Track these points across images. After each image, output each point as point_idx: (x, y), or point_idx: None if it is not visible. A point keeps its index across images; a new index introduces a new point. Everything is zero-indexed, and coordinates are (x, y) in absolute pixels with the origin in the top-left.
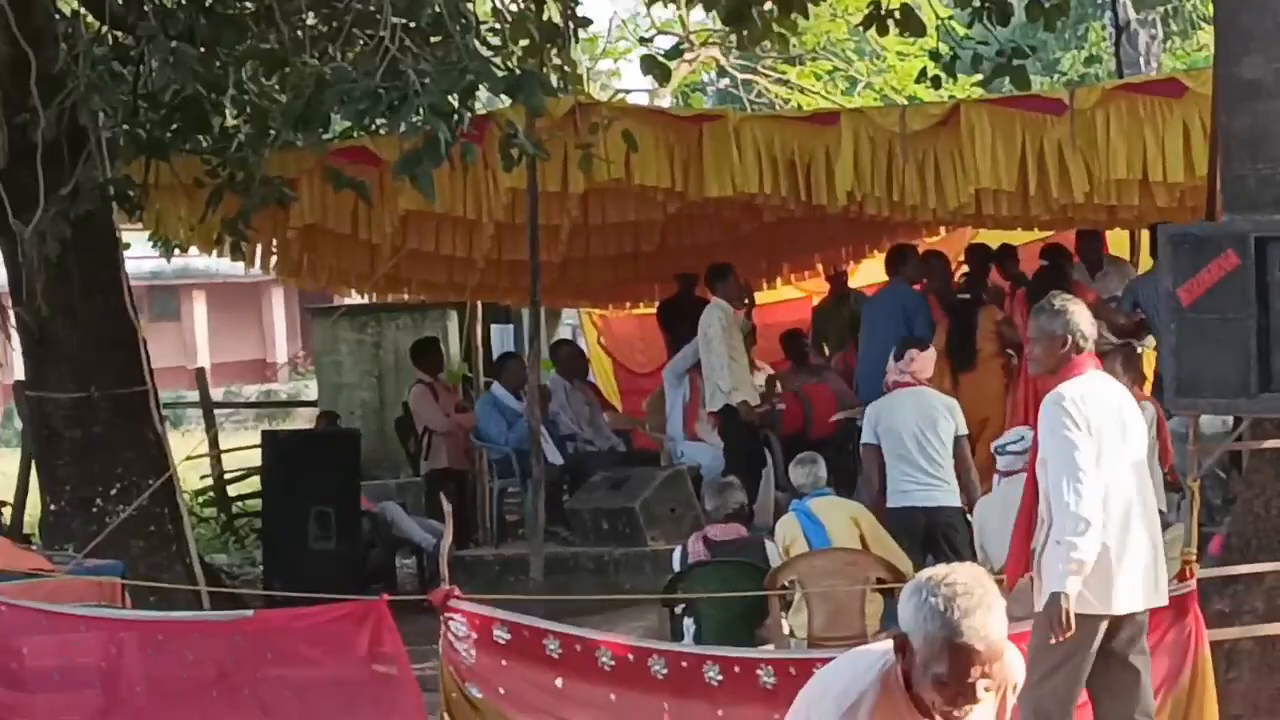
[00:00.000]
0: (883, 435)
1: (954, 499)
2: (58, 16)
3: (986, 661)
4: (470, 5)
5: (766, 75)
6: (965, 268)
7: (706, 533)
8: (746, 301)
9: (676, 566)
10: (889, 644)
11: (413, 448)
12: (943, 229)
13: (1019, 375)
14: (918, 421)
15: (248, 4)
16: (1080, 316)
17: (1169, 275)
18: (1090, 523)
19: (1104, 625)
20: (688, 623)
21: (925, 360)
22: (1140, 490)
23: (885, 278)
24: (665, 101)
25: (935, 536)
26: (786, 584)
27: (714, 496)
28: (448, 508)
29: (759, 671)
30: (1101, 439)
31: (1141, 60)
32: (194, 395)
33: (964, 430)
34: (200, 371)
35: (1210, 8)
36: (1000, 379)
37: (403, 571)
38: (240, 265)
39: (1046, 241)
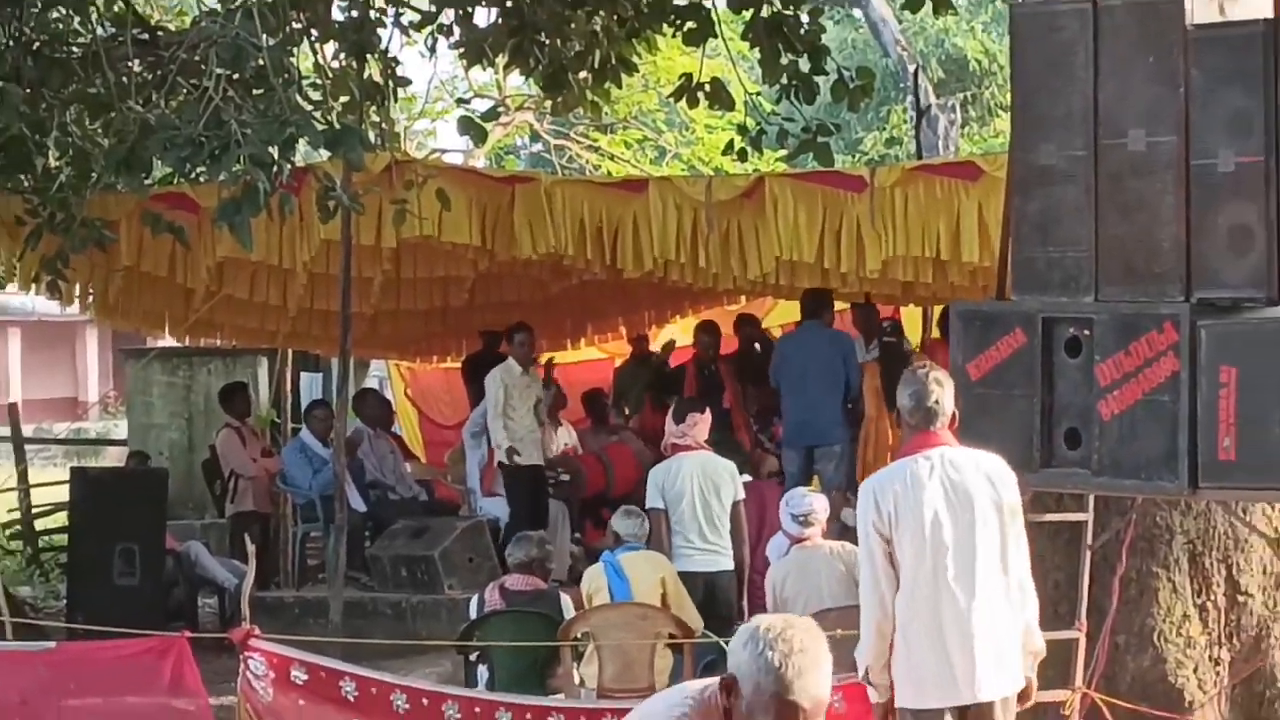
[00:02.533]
0: (669, 501)
1: (730, 564)
2: None
3: (811, 718)
4: (293, 60)
5: (579, 141)
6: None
7: (503, 582)
8: (543, 362)
9: (473, 614)
10: (709, 681)
11: (219, 490)
12: (743, 297)
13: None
14: (701, 486)
15: (74, 48)
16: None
17: (959, 351)
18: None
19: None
20: (482, 670)
21: (705, 424)
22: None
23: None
24: (479, 163)
25: (714, 600)
26: (579, 635)
27: (517, 548)
28: (251, 549)
29: (550, 719)
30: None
31: (940, 143)
32: (4, 430)
33: (742, 495)
34: (13, 407)
35: (1008, 96)
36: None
37: (204, 611)
38: (56, 304)
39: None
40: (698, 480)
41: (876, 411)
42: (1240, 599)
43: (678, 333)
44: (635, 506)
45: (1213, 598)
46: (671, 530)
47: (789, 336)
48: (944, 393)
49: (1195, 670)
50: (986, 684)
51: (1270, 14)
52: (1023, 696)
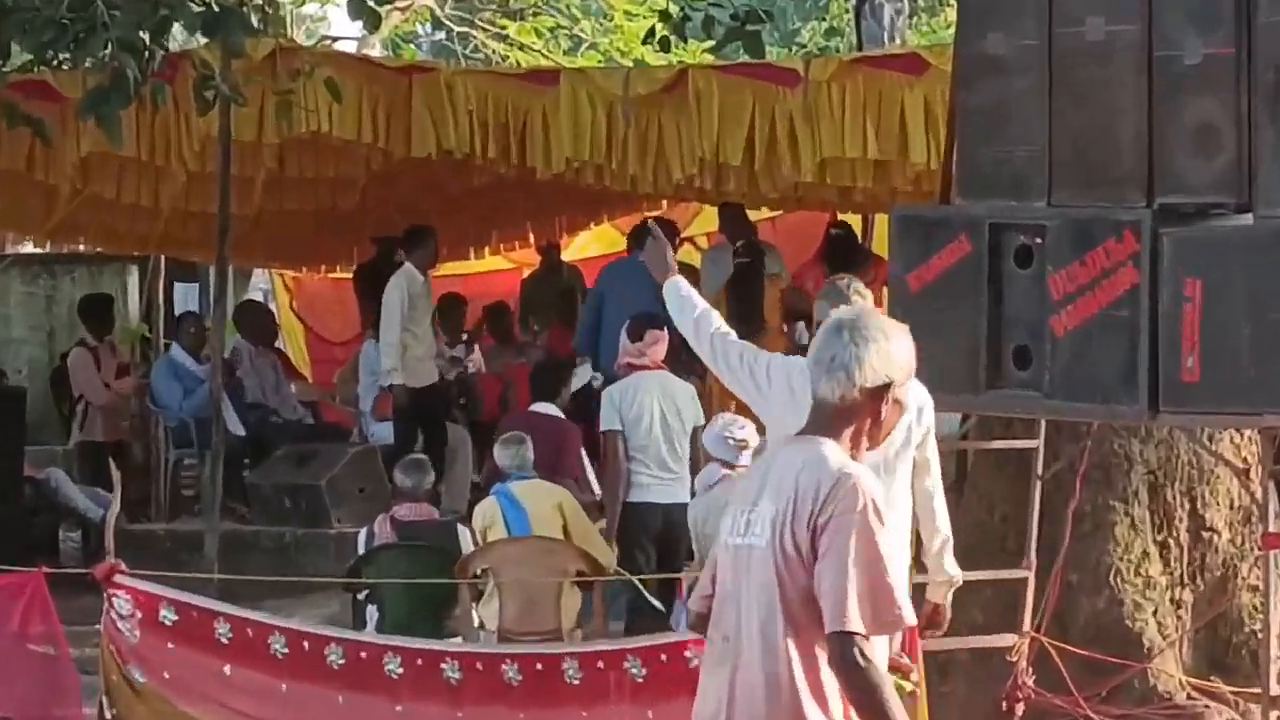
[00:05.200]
0: (627, 423)
1: (689, 495)
2: None
3: None
4: None
5: (484, 29)
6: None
7: (394, 513)
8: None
9: (361, 549)
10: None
11: (67, 411)
12: (664, 203)
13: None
14: (663, 409)
15: None
16: None
17: (898, 260)
18: None
19: None
20: (371, 610)
21: (664, 343)
22: None
23: (602, 250)
24: (374, 51)
25: (671, 535)
26: (478, 572)
27: (407, 474)
28: (116, 475)
29: (443, 665)
30: None
31: (885, 35)
32: None
33: (702, 420)
34: None
35: None
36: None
37: (67, 544)
38: None
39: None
40: (658, 401)
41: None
42: (1205, 535)
43: (591, 241)
44: (516, 433)
45: (1175, 534)
46: (630, 456)
47: (605, 272)
48: (866, 303)
49: (1155, 613)
50: None
51: None
52: (931, 622)
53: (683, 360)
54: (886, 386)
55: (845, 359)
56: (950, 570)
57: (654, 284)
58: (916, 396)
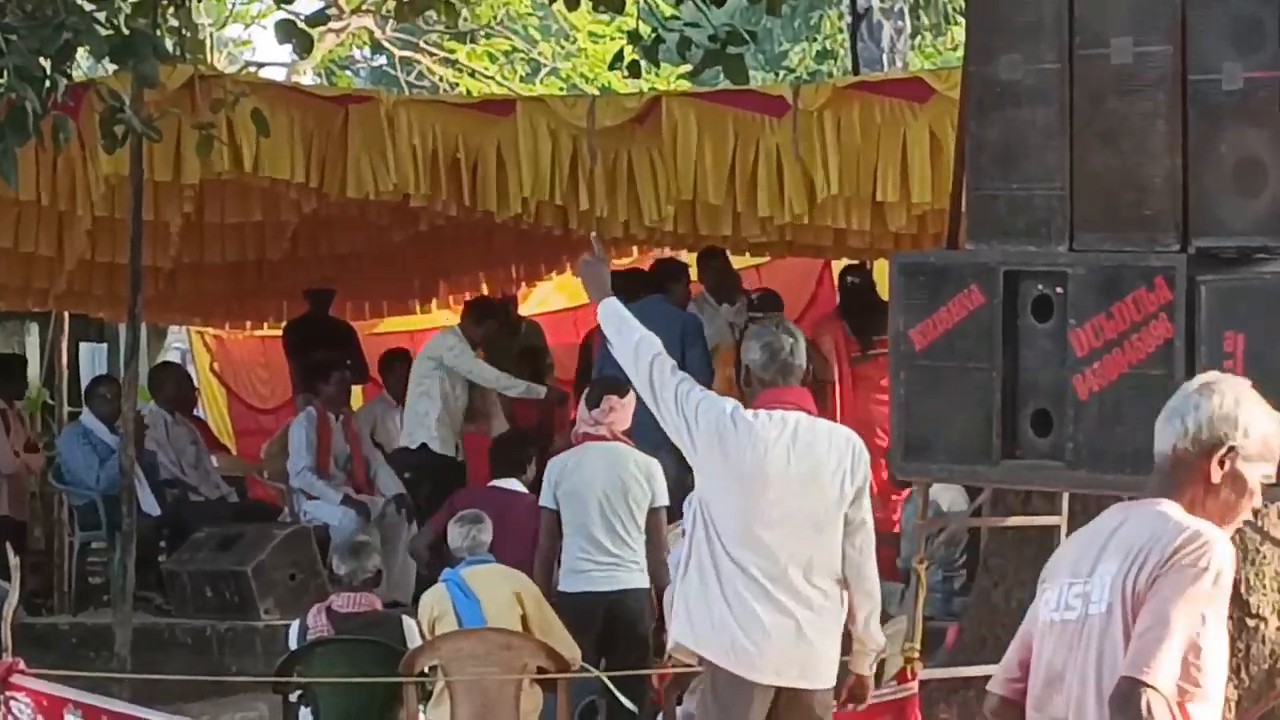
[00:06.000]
0: (563, 499)
1: (641, 580)
2: None
3: None
4: None
5: (431, 53)
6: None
7: (331, 603)
8: None
9: (294, 644)
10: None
11: None
12: (635, 249)
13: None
14: (605, 486)
15: None
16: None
17: (900, 314)
18: None
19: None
20: (304, 713)
21: (626, 410)
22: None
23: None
24: (306, 79)
25: (614, 629)
26: (426, 670)
27: (346, 559)
28: (14, 560)
29: None
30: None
31: (885, 58)
32: None
33: (663, 500)
34: None
35: None
36: None
37: None
38: None
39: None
40: (600, 478)
41: None
42: (1250, 623)
43: (553, 293)
44: (472, 510)
45: None
46: (565, 538)
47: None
48: (799, 345)
49: None
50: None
51: None
52: (853, 695)
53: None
54: (1219, 446)
55: (1184, 408)
56: (879, 640)
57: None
58: (851, 444)
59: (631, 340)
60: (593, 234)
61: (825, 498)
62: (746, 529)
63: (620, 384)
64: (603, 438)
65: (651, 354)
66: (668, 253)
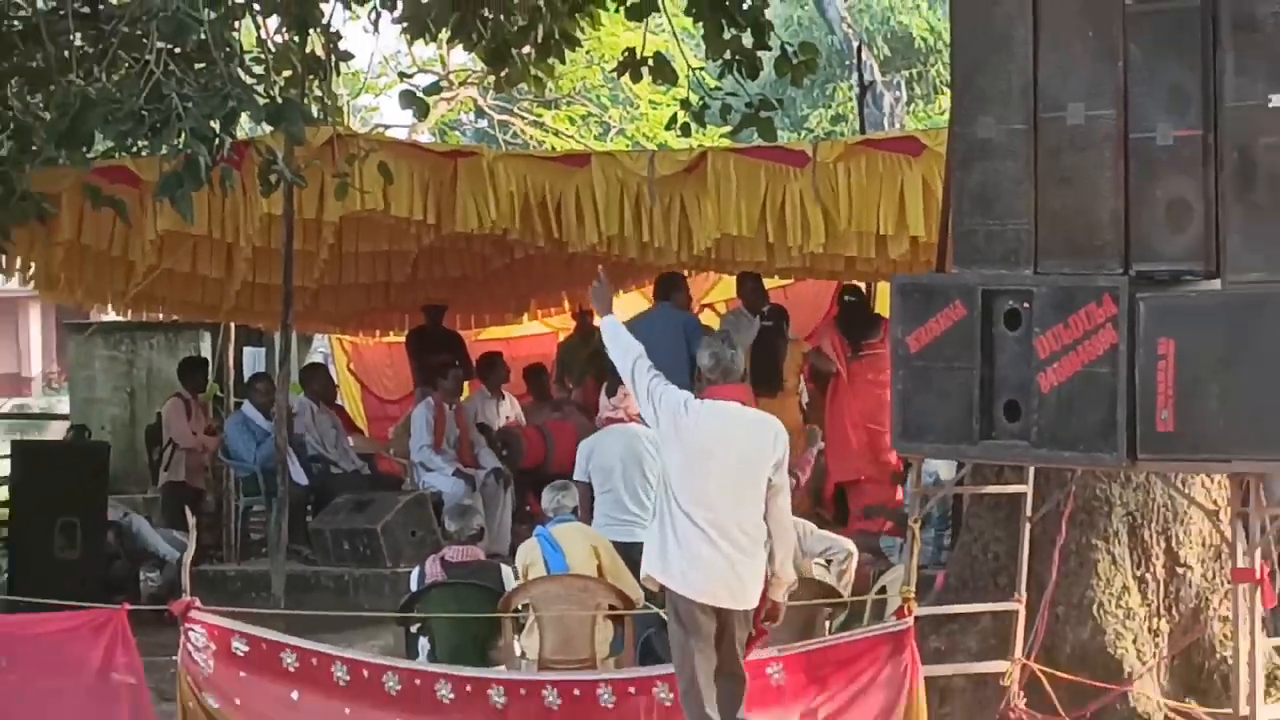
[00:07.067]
0: (593, 472)
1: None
2: None
3: None
4: (235, 33)
5: (522, 117)
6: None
7: (444, 554)
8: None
9: (414, 587)
10: None
11: (156, 457)
12: (687, 272)
13: (832, 400)
14: (624, 459)
15: (15, 22)
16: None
17: (899, 324)
18: None
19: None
20: (423, 642)
21: None
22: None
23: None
24: (423, 138)
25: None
26: (519, 607)
27: (455, 519)
28: (191, 520)
29: (490, 691)
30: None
31: (886, 120)
32: None
33: None
34: None
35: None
36: (797, 413)
37: (146, 585)
38: None
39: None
40: (621, 454)
41: None
42: (1179, 571)
43: (620, 307)
44: (565, 479)
45: (1152, 569)
46: (596, 501)
47: (637, 320)
48: (738, 355)
49: (1134, 641)
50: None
51: None
52: (770, 615)
53: None
54: None
55: None
56: (791, 575)
57: (673, 333)
58: (774, 428)
59: (622, 346)
60: (599, 267)
61: (753, 467)
62: (694, 489)
63: None
64: (620, 420)
65: (634, 357)
66: (711, 276)
